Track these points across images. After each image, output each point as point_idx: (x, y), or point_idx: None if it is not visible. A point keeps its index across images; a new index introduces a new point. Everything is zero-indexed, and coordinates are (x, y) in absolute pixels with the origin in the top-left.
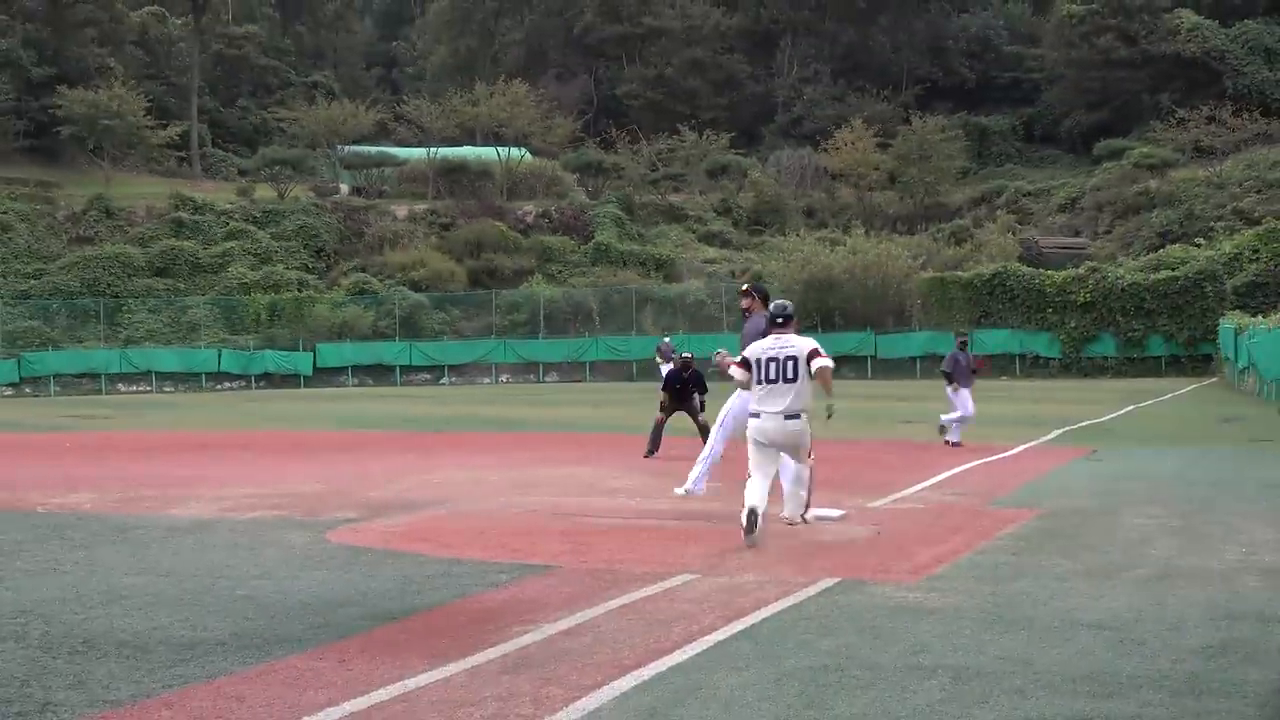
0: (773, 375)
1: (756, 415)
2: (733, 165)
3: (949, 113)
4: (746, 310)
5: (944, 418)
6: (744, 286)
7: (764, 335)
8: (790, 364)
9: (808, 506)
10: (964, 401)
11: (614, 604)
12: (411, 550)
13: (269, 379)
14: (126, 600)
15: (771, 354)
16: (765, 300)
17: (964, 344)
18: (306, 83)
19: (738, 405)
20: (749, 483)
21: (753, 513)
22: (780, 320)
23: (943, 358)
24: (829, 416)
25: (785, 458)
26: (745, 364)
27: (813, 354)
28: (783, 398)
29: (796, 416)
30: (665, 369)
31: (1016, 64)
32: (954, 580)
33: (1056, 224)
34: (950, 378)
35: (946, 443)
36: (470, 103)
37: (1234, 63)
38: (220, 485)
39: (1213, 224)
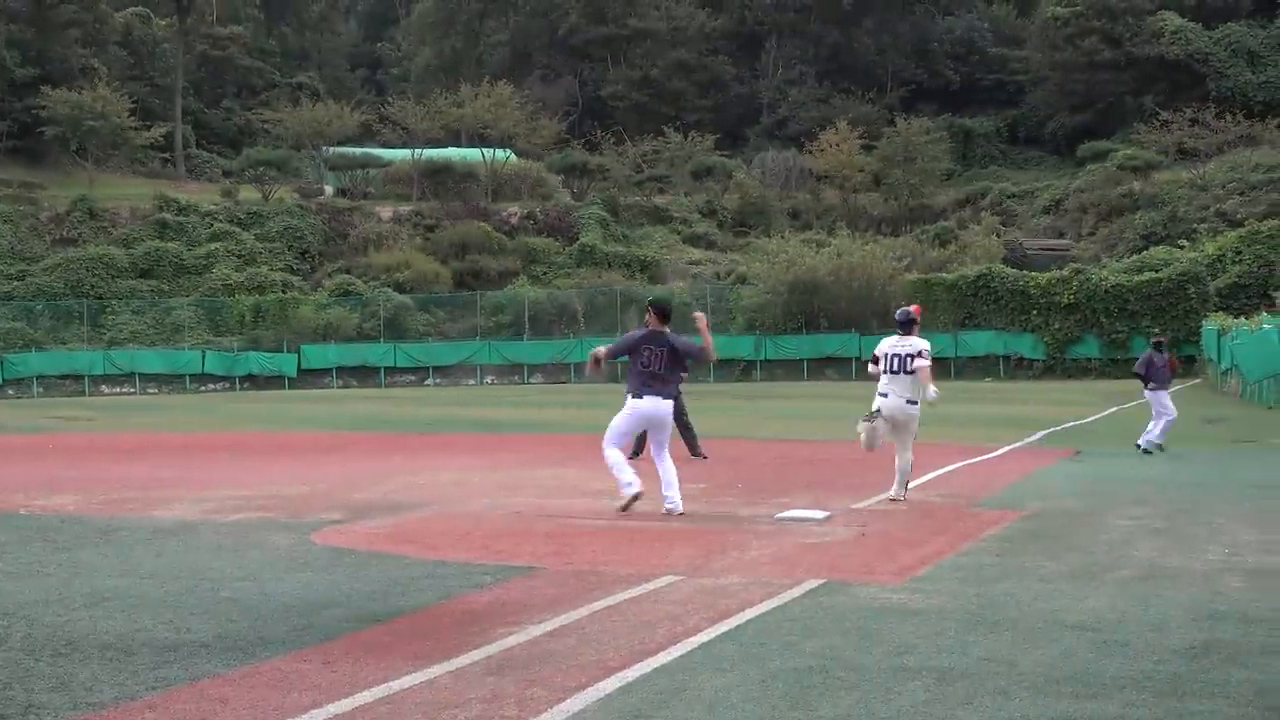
0: (895, 368)
1: (884, 395)
2: (717, 167)
3: (933, 114)
4: (646, 323)
5: (1143, 440)
6: (649, 301)
7: (641, 340)
8: (908, 360)
9: (906, 488)
10: (1162, 403)
11: (598, 605)
12: (396, 552)
13: (253, 380)
14: (110, 602)
15: (895, 351)
16: (661, 315)
17: (1159, 344)
18: (291, 84)
19: (621, 420)
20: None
21: (876, 413)
22: (902, 327)
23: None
24: (929, 400)
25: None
26: (875, 359)
27: (916, 356)
28: (902, 385)
29: (914, 403)
30: None
31: (1001, 66)
32: (938, 581)
33: (1040, 226)
34: (1145, 379)
35: (1140, 448)
36: (455, 104)
37: (1217, 65)
38: (204, 487)
39: (1196, 226)
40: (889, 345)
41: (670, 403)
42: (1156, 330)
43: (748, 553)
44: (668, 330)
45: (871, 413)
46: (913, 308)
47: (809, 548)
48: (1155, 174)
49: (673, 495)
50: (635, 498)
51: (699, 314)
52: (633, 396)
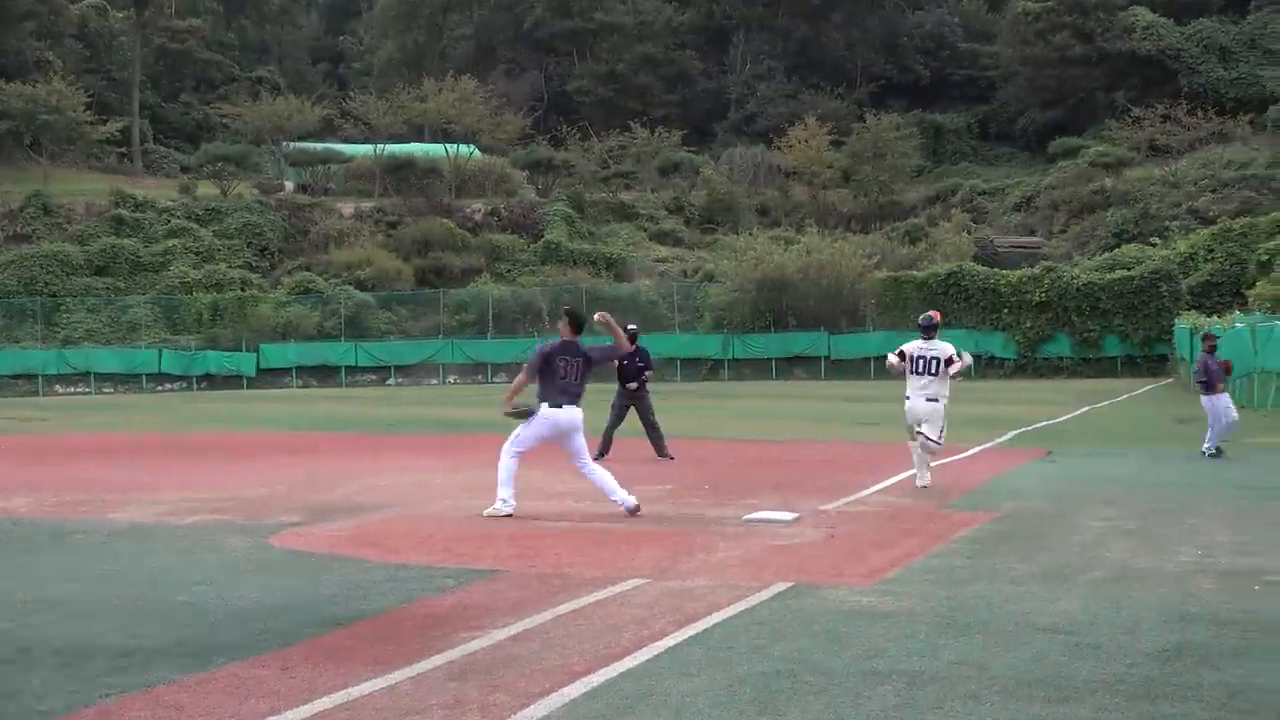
0: (920, 369)
1: (909, 398)
2: (685, 163)
3: (903, 110)
4: (561, 331)
5: (1206, 445)
6: (566, 308)
7: (556, 351)
8: (934, 363)
9: (929, 467)
10: (1223, 408)
11: (563, 609)
12: (357, 555)
13: (211, 380)
14: (62, 607)
15: (921, 353)
16: (574, 325)
17: (1212, 348)
18: (251, 78)
19: (534, 428)
20: (912, 445)
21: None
22: (927, 331)
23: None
24: (968, 368)
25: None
26: (902, 355)
27: (949, 360)
28: (927, 386)
29: (936, 400)
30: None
31: (971, 61)
32: (908, 584)
33: (1011, 223)
34: (1209, 386)
35: (1206, 453)
36: (418, 99)
37: (1189, 61)
38: (160, 489)
39: (1168, 223)
40: (915, 348)
41: (581, 411)
42: (1212, 332)
43: (715, 555)
44: (579, 340)
45: (920, 478)
46: (935, 314)
47: (777, 550)
48: (1127, 171)
49: (620, 495)
50: (505, 516)
51: (600, 314)
52: (549, 405)
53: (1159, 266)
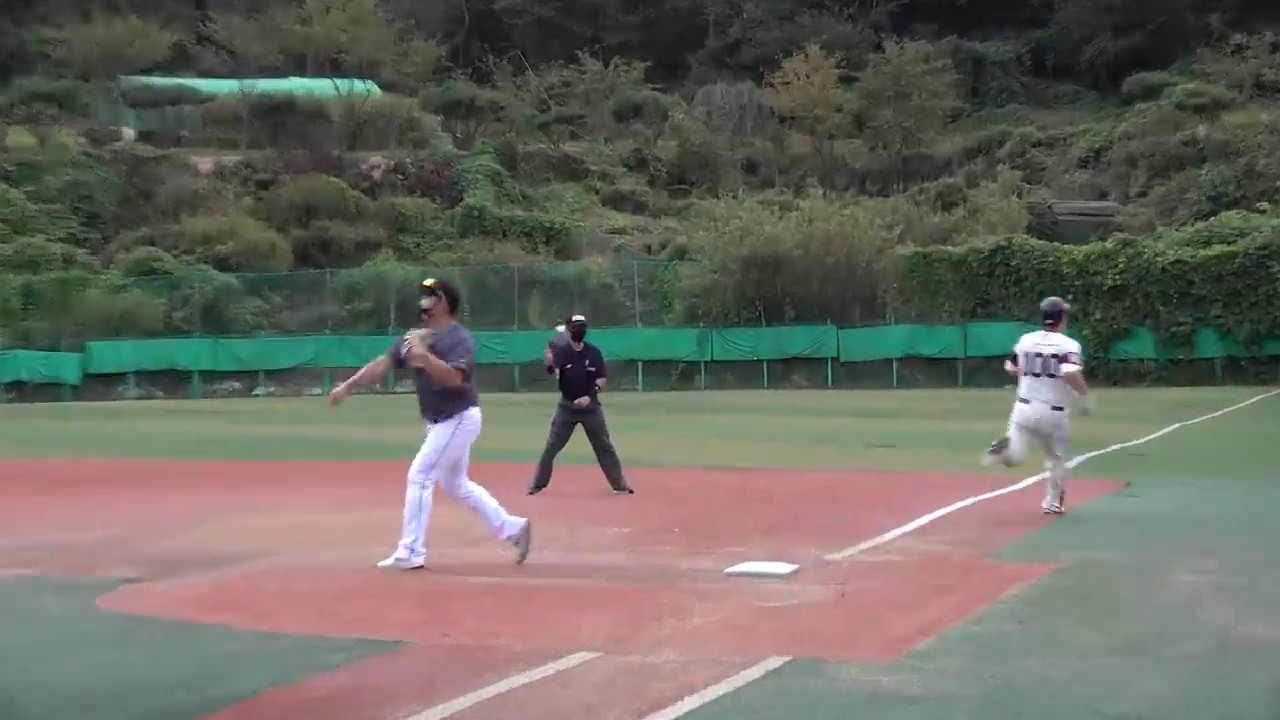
0: (1037, 369)
1: (1026, 402)
2: (649, 104)
3: (934, 37)
4: (427, 312)
5: None
6: (429, 281)
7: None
8: (1053, 361)
9: (1061, 500)
10: None
11: (487, 692)
12: (214, 621)
13: (21, 389)
14: None
15: (1037, 350)
16: (454, 304)
17: None
18: None
19: (458, 442)
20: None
21: (1004, 441)
22: (1049, 320)
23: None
24: (1085, 413)
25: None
26: (1014, 357)
27: (1064, 358)
28: (1047, 390)
29: (1060, 409)
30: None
31: None
32: (943, 658)
33: (1076, 183)
34: None
35: None
36: (299, 20)
37: None
38: None
39: (1279, 183)
40: (1030, 342)
41: None
42: None
43: (689, 620)
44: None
45: (998, 442)
46: (1060, 301)
47: (770, 613)
48: (1226, 115)
49: (503, 518)
50: (414, 569)
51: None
52: (474, 405)
53: (1269, 240)
